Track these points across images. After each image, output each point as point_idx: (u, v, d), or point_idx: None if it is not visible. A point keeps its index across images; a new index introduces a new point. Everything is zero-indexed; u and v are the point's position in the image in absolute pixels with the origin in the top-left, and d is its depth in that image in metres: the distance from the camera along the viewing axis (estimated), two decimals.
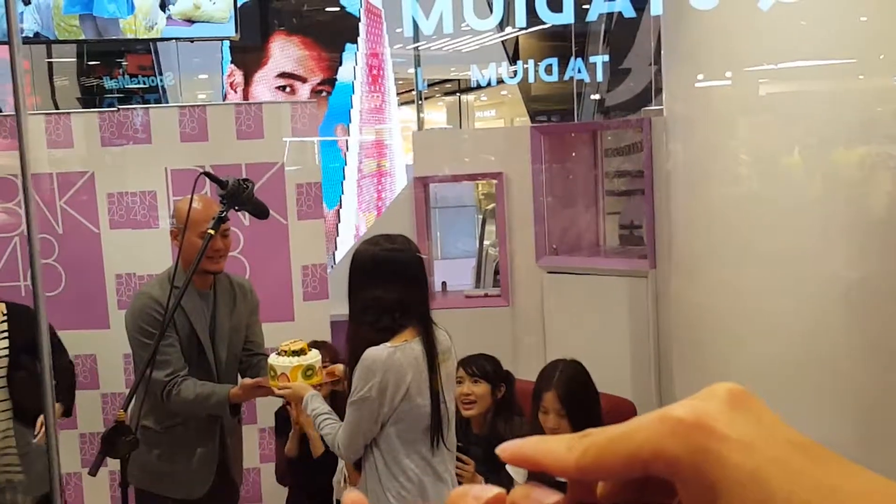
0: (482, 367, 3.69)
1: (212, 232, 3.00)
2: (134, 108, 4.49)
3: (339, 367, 3.25)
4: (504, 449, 0.43)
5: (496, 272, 5.93)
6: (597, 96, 7.25)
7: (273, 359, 3.11)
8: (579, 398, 3.29)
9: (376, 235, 2.94)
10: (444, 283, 5.53)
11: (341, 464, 3.22)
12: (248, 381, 3.27)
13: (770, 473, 0.37)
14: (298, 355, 3.09)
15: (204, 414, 3.35)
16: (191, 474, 3.42)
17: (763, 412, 0.40)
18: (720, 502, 0.37)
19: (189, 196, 3.10)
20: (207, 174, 3.06)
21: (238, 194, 3.03)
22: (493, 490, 0.42)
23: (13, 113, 4.44)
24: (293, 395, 3.06)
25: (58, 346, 3.79)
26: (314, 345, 3.74)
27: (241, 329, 3.49)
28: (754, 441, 0.38)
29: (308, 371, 3.08)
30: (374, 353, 2.71)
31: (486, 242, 6.80)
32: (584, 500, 0.42)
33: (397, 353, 2.73)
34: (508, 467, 3.48)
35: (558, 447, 0.41)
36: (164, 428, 3.37)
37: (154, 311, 3.25)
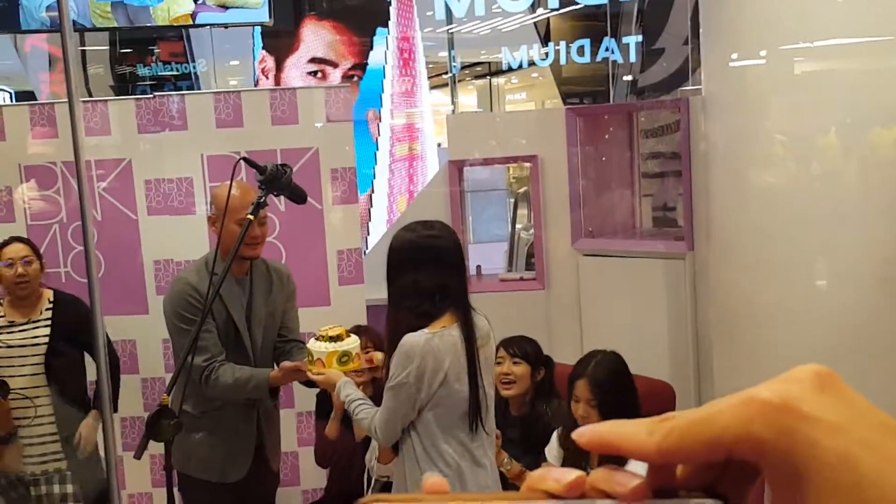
0: (523, 348, 3.70)
1: (251, 217, 3.01)
2: (170, 95, 4.51)
3: (378, 356, 3.25)
4: (581, 434, 0.43)
5: (528, 256, 5.91)
6: (629, 77, 7.19)
7: (311, 344, 3.12)
8: (612, 390, 3.27)
9: (414, 222, 2.93)
10: (478, 267, 5.52)
11: (373, 442, 3.24)
12: (287, 363, 3.28)
13: (860, 455, 0.36)
14: (335, 341, 3.09)
15: (242, 398, 3.37)
16: (228, 458, 3.45)
17: (850, 394, 0.39)
18: (809, 484, 0.37)
19: (227, 183, 3.11)
20: (246, 160, 3.06)
21: (277, 179, 3.03)
22: (574, 473, 0.42)
23: (50, 101, 4.49)
24: (326, 381, 3.07)
25: (106, 341, 3.85)
26: (356, 330, 3.75)
27: (277, 314, 3.50)
28: (843, 423, 0.37)
29: (343, 357, 3.08)
30: (412, 339, 2.71)
31: (517, 226, 6.77)
32: (664, 483, 0.42)
33: (435, 339, 2.73)
34: (546, 451, 3.49)
35: (638, 431, 0.41)
36: (201, 412, 3.40)
37: (191, 297, 3.29)
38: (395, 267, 2.82)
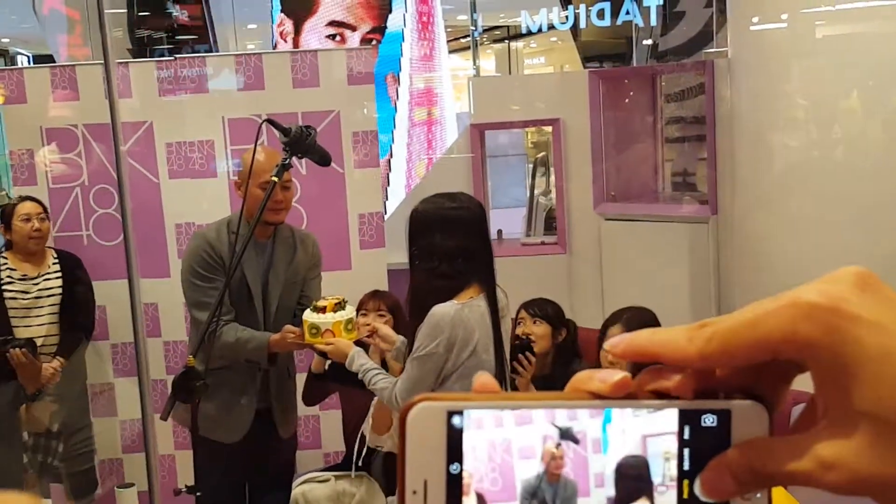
0: (543, 308, 3.71)
1: (275, 179, 3.00)
2: (191, 57, 4.48)
3: (381, 326, 3.21)
4: (615, 344, 0.44)
5: (547, 220, 5.89)
6: (650, 41, 7.11)
7: (313, 316, 3.09)
8: None
9: (437, 195, 2.90)
10: (499, 232, 5.50)
11: (370, 412, 3.24)
12: (290, 328, 3.26)
13: None
14: (336, 311, 3.08)
15: (242, 359, 3.36)
16: (227, 419, 3.44)
17: (890, 293, 0.41)
18: (855, 382, 0.39)
19: (253, 146, 3.09)
20: (271, 121, 3.04)
21: (301, 141, 3.02)
22: (619, 373, 0.43)
23: (71, 63, 4.46)
24: (337, 351, 3.05)
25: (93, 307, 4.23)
26: (373, 295, 3.75)
27: (297, 282, 3.48)
28: (888, 321, 0.39)
29: (349, 325, 3.08)
30: (443, 310, 2.70)
31: (536, 191, 6.74)
32: (704, 387, 0.43)
33: (465, 310, 2.72)
34: None
35: (677, 338, 0.42)
36: (208, 371, 3.41)
37: (206, 252, 3.30)
38: (420, 238, 2.79)
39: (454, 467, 0.43)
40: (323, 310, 3.08)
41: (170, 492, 2.98)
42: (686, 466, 0.43)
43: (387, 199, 7.30)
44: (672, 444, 0.43)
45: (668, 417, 0.43)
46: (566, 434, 0.43)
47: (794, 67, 3.78)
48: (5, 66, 8.91)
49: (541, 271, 4.98)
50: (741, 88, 4.18)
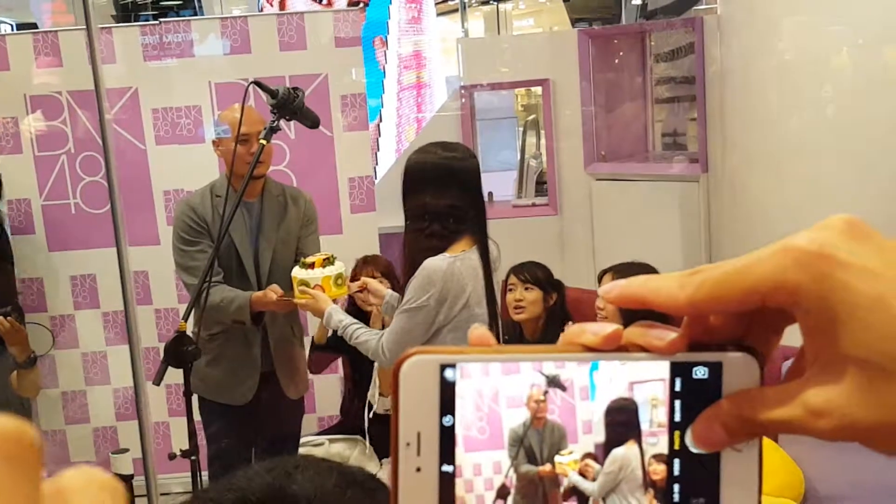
0: (534, 273, 3.70)
1: (263, 142, 2.99)
2: (176, 21, 4.42)
3: (371, 281, 3.21)
4: (608, 290, 0.44)
5: (538, 183, 5.87)
6: (638, 1, 7.06)
7: (301, 272, 3.08)
8: None
9: (433, 144, 2.88)
10: (490, 194, 5.48)
11: (375, 377, 3.25)
12: (275, 287, 3.25)
13: (892, 296, 0.38)
14: (325, 266, 3.08)
15: (229, 320, 3.36)
16: (233, 381, 3.47)
17: (881, 240, 0.40)
18: (844, 328, 0.38)
19: (233, 106, 3.07)
20: (258, 83, 3.02)
21: (289, 103, 2.99)
22: (611, 326, 0.43)
23: (54, 29, 4.40)
24: (315, 305, 3.04)
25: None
26: (365, 260, 3.74)
27: (290, 241, 3.46)
28: (877, 268, 0.39)
29: (338, 280, 3.07)
30: (435, 263, 2.69)
31: (526, 154, 6.71)
32: (696, 338, 0.43)
33: (457, 263, 2.71)
34: None
35: (669, 284, 0.42)
36: (209, 335, 3.41)
37: (189, 218, 3.33)
38: (415, 188, 2.77)
39: (447, 419, 0.43)
40: (312, 266, 3.07)
41: (164, 457, 2.98)
42: (677, 418, 0.43)
43: (377, 163, 7.26)
44: (659, 391, 0.43)
45: (656, 366, 0.43)
46: (553, 381, 0.44)
47: (785, 25, 3.76)
48: None
49: (532, 233, 4.97)
50: (731, 46, 4.16)
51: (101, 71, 2.53)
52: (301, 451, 3.84)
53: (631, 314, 2.67)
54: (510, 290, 3.68)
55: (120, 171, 4.27)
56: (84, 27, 2.63)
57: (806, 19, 3.66)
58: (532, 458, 0.44)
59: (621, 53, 5.28)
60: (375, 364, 3.49)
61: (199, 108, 4.32)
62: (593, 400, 0.44)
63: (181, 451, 2.91)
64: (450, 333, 2.77)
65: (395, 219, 2.84)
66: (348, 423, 4.09)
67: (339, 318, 2.95)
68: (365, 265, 3.76)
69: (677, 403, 0.43)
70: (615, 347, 0.43)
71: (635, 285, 0.43)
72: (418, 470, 0.43)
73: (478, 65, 5.11)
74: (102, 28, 4.43)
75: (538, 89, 5.33)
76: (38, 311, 4.43)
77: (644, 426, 0.44)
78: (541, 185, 5.46)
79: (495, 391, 0.43)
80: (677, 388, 0.43)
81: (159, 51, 4.32)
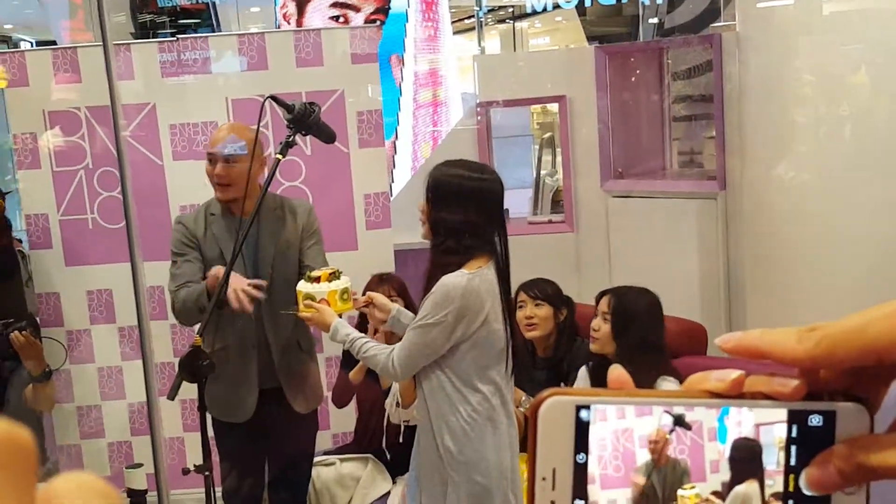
0: (544, 290, 3.70)
1: (279, 157, 2.99)
2: (193, 38, 4.45)
3: (377, 295, 3.16)
4: (726, 340, 0.46)
5: (554, 202, 5.86)
6: (655, 19, 7.06)
7: (307, 286, 3.05)
8: (631, 310, 3.23)
9: (458, 161, 2.88)
10: (506, 211, 5.47)
11: (395, 388, 3.22)
12: (220, 267, 3.20)
13: None
14: (331, 280, 3.05)
15: (196, 308, 3.28)
16: (234, 398, 3.45)
17: None
18: None
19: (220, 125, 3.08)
20: (274, 98, 3.03)
21: (305, 118, 3.00)
22: (736, 371, 0.46)
23: (73, 45, 4.44)
24: (320, 319, 2.99)
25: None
26: (380, 278, 3.72)
27: (289, 253, 3.43)
28: None
29: (344, 294, 3.03)
30: (454, 281, 2.68)
31: (542, 172, 6.70)
32: (813, 388, 0.46)
33: (476, 280, 2.70)
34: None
35: (787, 339, 0.44)
36: (212, 351, 3.39)
37: (181, 234, 3.40)
38: (442, 205, 2.77)
39: (580, 457, 0.47)
40: (317, 280, 3.04)
41: (178, 472, 2.97)
42: (792, 462, 0.47)
43: (392, 181, 7.27)
44: (782, 434, 0.47)
45: (774, 413, 0.47)
46: (679, 421, 0.47)
47: (802, 44, 3.76)
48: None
49: (548, 250, 4.95)
50: (749, 64, 4.15)
51: (116, 87, 2.55)
52: (313, 471, 3.81)
53: (625, 341, 2.65)
54: (520, 307, 3.66)
55: (137, 187, 4.30)
56: (114, 43, 2.66)
57: (823, 38, 3.66)
58: (653, 495, 0.48)
59: (638, 71, 5.28)
60: None
61: (216, 123, 4.31)
62: (723, 443, 0.47)
63: (195, 466, 2.90)
64: (469, 350, 2.76)
65: (410, 235, 2.83)
66: (362, 442, 4.07)
67: (346, 331, 2.93)
68: (380, 283, 3.74)
69: (792, 448, 0.47)
70: (738, 393, 0.47)
71: (752, 337, 0.46)
72: (553, 503, 0.47)
73: (494, 82, 5.12)
74: (121, 45, 4.46)
75: (554, 107, 5.33)
76: (54, 325, 4.43)
77: (768, 466, 0.47)
78: (557, 203, 5.45)
79: (626, 431, 0.47)
80: (793, 433, 0.46)
81: (177, 67, 4.34)
